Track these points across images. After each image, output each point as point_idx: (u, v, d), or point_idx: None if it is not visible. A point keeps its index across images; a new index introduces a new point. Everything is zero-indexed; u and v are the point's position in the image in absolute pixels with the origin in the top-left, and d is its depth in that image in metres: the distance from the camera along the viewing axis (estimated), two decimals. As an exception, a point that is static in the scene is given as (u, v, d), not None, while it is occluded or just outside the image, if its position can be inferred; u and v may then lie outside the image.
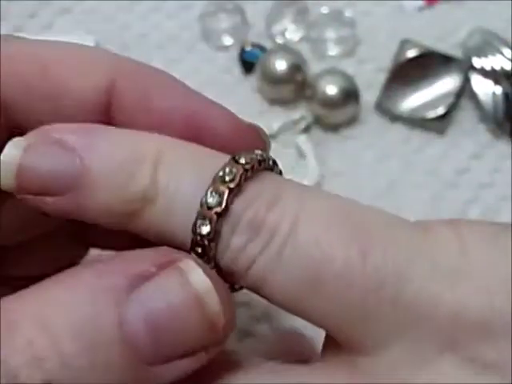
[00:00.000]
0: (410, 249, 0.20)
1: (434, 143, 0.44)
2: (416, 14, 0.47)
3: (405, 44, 0.44)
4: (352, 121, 0.44)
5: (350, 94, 0.43)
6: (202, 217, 0.20)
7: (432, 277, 0.20)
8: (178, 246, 0.21)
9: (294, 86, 0.44)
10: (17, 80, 0.21)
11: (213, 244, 0.20)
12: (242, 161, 0.20)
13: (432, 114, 0.43)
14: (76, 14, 0.47)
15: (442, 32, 0.46)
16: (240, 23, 0.46)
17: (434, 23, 0.46)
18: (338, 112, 0.43)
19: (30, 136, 0.20)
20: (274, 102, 0.45)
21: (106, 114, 0.22)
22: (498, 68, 0.44)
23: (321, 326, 0.21)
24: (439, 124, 0.44)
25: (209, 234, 0.20)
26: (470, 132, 0.44)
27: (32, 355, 0.18)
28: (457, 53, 0.45)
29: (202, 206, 0.20)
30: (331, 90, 0.43)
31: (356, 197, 0.42)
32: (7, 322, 0.18)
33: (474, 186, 0.43)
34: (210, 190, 0.20)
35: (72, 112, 0.22)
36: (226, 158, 0.21)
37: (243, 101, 0.45)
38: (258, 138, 0.23)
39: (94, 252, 0.29)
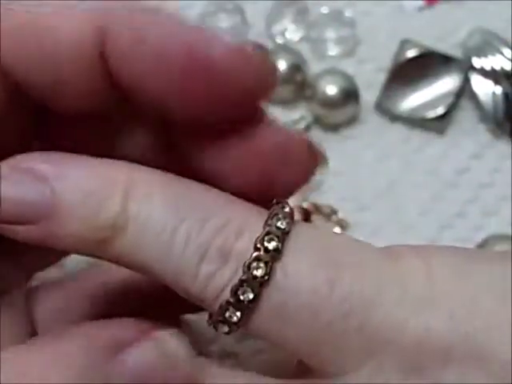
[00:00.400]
0: (378, 277, 0.20)
1: (433, 143, 0.44)
2: (416, 14, 0.47)
3: (405, 44, 0.44)
4: (352, 121, 0.44)
5: (350, 94, 0.43)
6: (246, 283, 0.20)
7: (398, 304, 0.20)
8: (150, 275, 0.21)
9: (294, 86, 0.44)
10: (12, 40, 0.21)
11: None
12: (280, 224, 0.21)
13: (432, 113, 0.43)
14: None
15: (441, 32, 0.46)
16: (240, 23, 0.46)
17: (434, 23, 0.46)
18: (337, 112, 0.43)
19: (3, 166, 0.20)
20: (274, 101, 0.45)
21: (100, 62, 0.21)
22: (497, 68, 0.44)
23: (292, 353, 0.21)
24: (439, 124, 0.44)
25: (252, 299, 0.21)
26: (469, 132, 0.44)
27: None
28: (457, 53, 0.45)
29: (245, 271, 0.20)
30: (331, 89, 0.43)
31: (356, 197, 0.43)
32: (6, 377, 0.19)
33: (473, 186, 0.43)
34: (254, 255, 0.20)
35: (67, 63, 0.21)
36: (196, 185, 0.21)
37: (243, 101, 0.45)
38: (262, 63, 0.22)
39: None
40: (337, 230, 0.42)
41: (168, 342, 0.21)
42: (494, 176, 0.43)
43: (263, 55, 0.22)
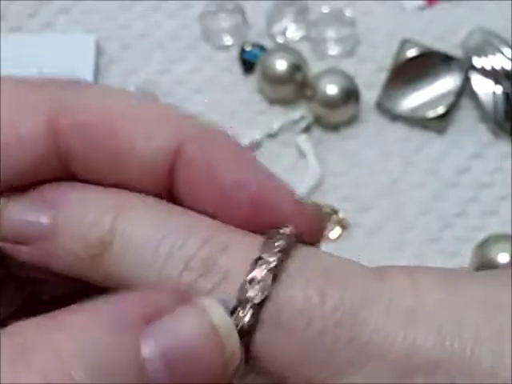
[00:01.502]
0: (367, 292, 0.21)
1: (434, 142, 0.44)
2: (416, 14, 0.47)
3: (405, 44, 0.44)
4: (352, 120, 0.44)
5: (350, 94, 0.43)
6: (242, 308, 0.20)
7: (386, 319, 0.21)
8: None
9: (295, 86, 0.44)
10: (82, 131, 0.22)
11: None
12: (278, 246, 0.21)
13: (432, 113, 0.44)
14: (76, 14, 0.47)
15: (442, 32, 0.46)
16: (240, 23, 0.46)
17: (435, 23, 0.46)
18: (338, 111, 0.43)
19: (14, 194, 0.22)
20: (274, 101, 0.45)
21: (169, 178, 0.22)
22: (498, 67, 0.44)
23: (277, 368, 0.21)
24: (439, 123, 0.44)
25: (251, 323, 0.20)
26: (470, 131, 0.44)
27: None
28: (457, 52, 0.45)
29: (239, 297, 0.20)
30: (331, 89, 0.43)
31: (356, 196, 0.43)
32: (21, 351, 0.19)
33: (474, 186, 0.43)
34: (249, 279, 0.20)
35: (134, 172, 0.22)
36: (182, 209, 0.22)
37: (243, 100, 0.45)
38: (317, 220, 0.23)
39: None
40: (337, 229, 0.42)
41: (215, 311, 0.20)
42: (494, 176, 0.43)
43: (317, 209, 0.23)
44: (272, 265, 0.21)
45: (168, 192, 0.23)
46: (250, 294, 0.20)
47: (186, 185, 0.22)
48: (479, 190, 0.43)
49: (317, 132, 0.44)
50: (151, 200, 0.22)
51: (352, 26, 0.46)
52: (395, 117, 0.44)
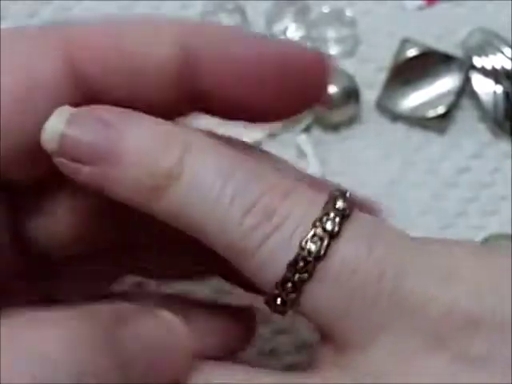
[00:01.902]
0: (410, 250, 0.22)
1: (434, 142, 0.44)
2: (416, 14, 0.47)
3: (405, 43, 0.44)
4: (352, 120, 0.44)
5: (351, 94, 0.43)
6: (301, 260, 0.21)
7: (428, 275, 0.21)
8: (193, 235, 0.22)
9: (295, 86, 0.44)
10: (92, 53, 0.22)
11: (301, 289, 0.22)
12: (340, 204, 0.22)
13: (432, 113, 0.44)
14: (76, 14, 0.47)
15: (442, 31, 0.46)
16: (240, 23, 0.46)
17: (435, 22, 0.46)
18: (338, 111, 0.43)
19: (75, 110, 0.22)
20: (275, 101, 0.45)
21: (187, 82, 0.23)
22: (498, 67, 0.44)
23: (318, 318, 0.22)
24: (439, 123, 0.44)
25: (304, 272, 0.21)
26: (470, 131, 0.44)
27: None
28: (457, 52, 0.45)
29: (300, 246, 0.21)
30: (331, 89, 0.43)
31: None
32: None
33: (474, 186, 0.43)
34: (311, 234, 0.21)
35: (149, 83, 0.23)
36: (248, 157, 0.23)
37: (243, 100, 0.45)
38: (327, 65, 0.24)
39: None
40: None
41: (170, 319, 0.22)
42: (495, 175, 0.43)
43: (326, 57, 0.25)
44: (331, 224, 0.22)
45: (184, 92, 0.23)
46: (310, 247, 0.21)
47: (206, 76, 0.23)
48: (479, 189, 0.43)
49: (317, 132, 0.44)
50: (217, 142, 0.23)
51: (352, 26, 0.46)
52: (395, 116, 0.44)
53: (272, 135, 0.44)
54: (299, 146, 0.43)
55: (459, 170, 0.43)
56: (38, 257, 0.25)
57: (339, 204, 0.22)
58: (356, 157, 0.43)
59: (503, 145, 0.43)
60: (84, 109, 0.22)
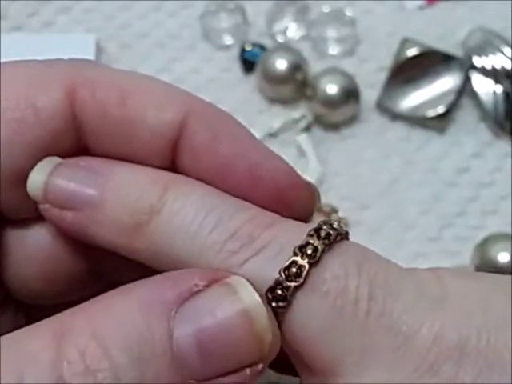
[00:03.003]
0: (399, 277, 0.22)
1: (434, 142, 0.44)
2: (416, 13, 0.47)
3: (405, 43, 0.44)
4: (352, 120, 0.44)
5: (351, 93, 0.43)
6: (280, 287, 0.21)
7: (416, 301, 0.21)
8: (176, 264, 0.22)
9: (295, 85, 0.44)
10: (95, 105, 0.23)
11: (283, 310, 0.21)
12: (323, 234, 0.22)
13: (432, 112, 0.44)
14: (76, 13, 0.47)
15: (442, 31, 0.46)
16: (240, 22, 0.46)
17: (435, 22, 0.46)
18: (338, 111, 0.43)
19: (59, 159, 0.23)
20: (275, 101, 0.45)
21: (174, 149, 0.23)
22: (498, 67, 0.44)
23: (303, 345, 0.21)
24: (439, 123, 0.44)
25: (283, 300, 0.21)
26: (470, 131, 0.44)
27: (85, 367, 0.19)
28: (457, 52, 0.45)
29: (279, 273, 0.21)
30: (332, 89, 0.43)
31: (356, 195, 0.43)
32: (58, 333, 0.19)
33: (474, 185, 0.43)
34: (292, 260, 0.21)
35: (144, 143, 0.23)
36: (228, 198, 0.22)
37: (244, 100, 0.45)
38: (312, 197, 0.24)
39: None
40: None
41: (245, 289, 0.20)
42: (495, 175, 0.43)
43: (313, 190, 0.24)
44: (317, 250, 0.21)
45: (171, 164, 0.23)
46: (290, 273, 0.21)
47: (188, 155, 0.23)
48: (479, 189, 0.43)
49: (317, 131, 0.44)
50: (197, 181, 0.23)
51: (352, 26, 0.46)
52: (395, 116, 0.44)
53: (272, 135, 0.44)
54: (299, 145, 0.43)
55: (459, 169, 0.43)
56: (17, 297, 0.25)
57: (323, 233, 0.21)
58: (356, 156, 0.43)
59: (503, 144, 0.43)
60: (68, 159, 0.23)
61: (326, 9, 0.46)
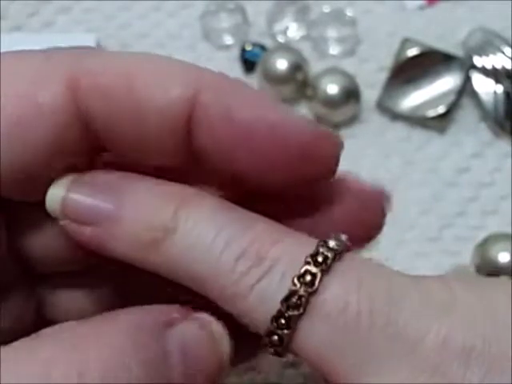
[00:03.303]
0: (402, 285, 0.22)
1: (434, 142, 0.44)
2: (417, 13, 0.47)
3: (406, 43, 0.44)
4: (353, 120, 0.44)
5: (351, 93, 0.43)
6: (294, 295, 0.22)
7: (422, 308, 0.21)
8: (187, 285, 0.23)
9: (295, 86, 0.44)
10: (99, 94, 0.22)
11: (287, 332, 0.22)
12: (320, 259, 0.22)
13: (433, 112, 0.44)
14: (76, 13, 0.47)
15: (442, 31, 0.46)
16: (241, 22, 0.46)
17: (435, 22, 0.46)
18: (338, 111, 0.43)
19: (76, 175, 0.23)
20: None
21: (187, 127, 0.23)
22: (498, 67, 0.44)
23: (314, 356, 0.22)
24: (440, 123, 0.44)
25: (287, 328, 0.22)
26: (470, 131, 0.44)
27: None
28: (458, 52, 0.45)
29: (281, 303, 0.22)
30: (332, 89, 0.43)
31: (357, 196, 0.42)
32: (43, 364, 0.20)
33: (474, 185, 0.43)
34: (304, 269, 0.22)
35: (155, 125, 0.23)
36: (241, 209, 0.23)
37: (244, 100, 0.45)
38: (335, 147, 0.24)
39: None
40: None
41: (212, 324, 0.22)
42: (495, 175, 0.43)
43: (336, 138, 0.24)
44: (323, 260, 0.22)
45: (186, 146, 0.23)
46: (304, 281, 0.22)
47: (204, 130, 0.23)
48: (479, 189, 0.43)
49: (317, 131, 0.44)
50: (208, 195, 0.23)
51: (353, 26, 0.46)
52: (396, 116, 0.44)
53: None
54: (299, 145, 0.43)
55: (459, 169, 0.43)
56: (33, 269, 0.25)
57: (331, 244, 0.22)
58: (356, 156, 0.43)
59: (503, 144, 0.43)
60: (86, 175, 0.23)
61: (326, 9, 0.46)
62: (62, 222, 0.23)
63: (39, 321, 0.26)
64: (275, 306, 0.22)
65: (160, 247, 0.22)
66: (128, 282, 0.26)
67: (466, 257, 0.40)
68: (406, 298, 0.21)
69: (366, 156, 0.43)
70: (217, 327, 0.22)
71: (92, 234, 0.23)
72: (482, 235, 0.40)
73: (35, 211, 0.24)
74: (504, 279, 0.23)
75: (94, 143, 0.23)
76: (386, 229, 0.42)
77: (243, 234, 0.22)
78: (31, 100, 0.22)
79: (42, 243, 0.25)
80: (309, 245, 0.22)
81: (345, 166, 0.43)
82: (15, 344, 0.20)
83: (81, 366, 0.20)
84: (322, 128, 0.23)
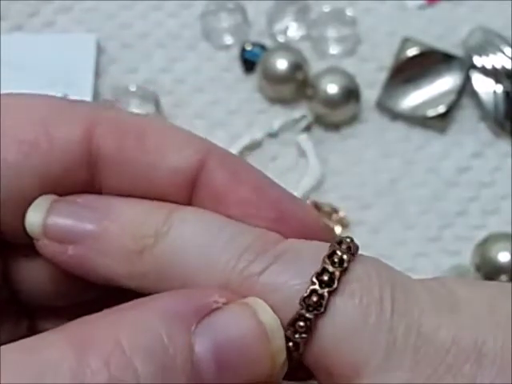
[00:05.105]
0: (413, 283, 0.22)
1: (434, 141, 0.44)
2: (417, 13, 0.47)
3: (406, 42, 0.45)
4: (353, 119, 0.44)
5: (351, 93, 0.43)
6: (314, 294, 0.21)
7: (432, 305, 0.21)
8: (185, 286, 0.22)
9: (295, 85, 0.44)
10: (113, 144, 0.23)
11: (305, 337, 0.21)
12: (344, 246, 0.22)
13: (433, 112, 0.44)
14: (76, 13, 0.47)
15: (442, 30, 0.46)
16: (241, 22, 0.46)
17: (435, 22, 0.46)
18: (338, 111, 0.43)
19: (57, 197, 0.23)
20: (275, 100, 0.45)
21: (191, 189, 0.23)
22: (498, 67, 0.44)
23: (330, 358, 0.21)
24: (440, 122, 0.44)
25: (319, 307, 0.21)
26: (470, 130, 0.44)
27: (109, 376, 0.19)
28: (458, 51, 0.45)
29: (312, 283, 0.21)
30: (332, 88, 0.43)
31: (357, 195, 0.43)
32: (78, 341, 0.19)
33: (474, 185, 0.43)
34: (321, 268, 0.21)
35: (162, 183, 0.23)
36: (234, 220, 0.23)
37: (244, 100, 0.45)
38: (328, 231, 0.24)
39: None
40: (337, 228, 0.42)
41: (262, 309, 0.21)
42: (495, 175, 0.43)
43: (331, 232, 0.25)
44: (340, 260, 0.21)
45: (186, 200, 0.23)
46: (323, 280, 0.21)
47: (207, 194, 0.23)
48: (479, 188, 0.43)
49: (317, 131, 0.44)
50: (199, 208, 0.23)
51: (353, 25, 0.46)
52: (396, 116, 0.44)
53: (272, 134, 0.44)
54: (300, 145, 0.43)
55: (459, 169, 0.43)
56: (23, 299, 0.25)
57: (345, 245, 0.22)
58: (356, 156, 0.43)
59: (503, 144, 0.43)
60: (66, 196, 0.23)
61: (326, 8, 0.46)
62: (41, 242, 0.22)
63: None
64: (291, 288, 0.21)
65: (149, 255, 0.22)
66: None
67: (466, 256, 0.41)
68: (418, 294, 0.22)
69: (365, 156, 0.43)
70: (270, 317, 0.20)
71: (73, 253, 0.22)
72: (482, 235, 0.41)
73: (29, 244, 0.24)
74: (498, 282, 0.23)
75: (95, 186, 0.23)
76: (386, 229, 0.43)
77: (244, 232, 0.22)
78: (46, 132, 0.22)
79: (32, 274, 0.25)
80: (315, 243, 0.22)
81: (345, 165, 0.43)
82: (16, 343, 0.20)
83: (87, 367, 0.19)
84: (320, 219, 0.24)
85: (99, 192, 0.23)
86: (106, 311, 0.20)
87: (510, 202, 0.42)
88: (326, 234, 0.23)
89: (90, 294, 0.25)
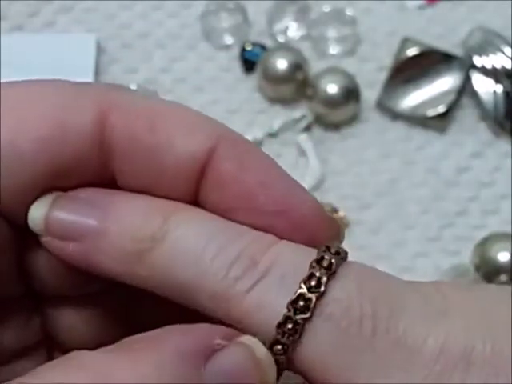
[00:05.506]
0: (400, 290, 0.22)
1: (434, 141, 0.44)
2: (417, 13, 0.47)
3: (406, 42, 0.45)
4: (353, 119, 0.44)
5: (351, 93, 0.43)
6: (301, 298, 0.21)
7: (420, 314, 0.21)
8: (176, 299, 0.22)
9: (295, 85, 0.44)
10: (124, 131, 0.23)
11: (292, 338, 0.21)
12: (325, 264, 0.22)
13: (433, 112, 0.44)
14: (76, 13, 0.47)
15: (442, 30, 0.46)
16: (241, 22, 0.46)
17: (435, 22, 0.46)
18: (338, 111, 0.43)
19: (59, 193, 0.23)
20: (275, 100, 0.45)
21: (200, 176, 0.23)
22: (498, 67, 0.44)
23: (317, 362, 0.22)
24: (440, 122, 0.44)
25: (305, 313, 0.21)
26: (470, 130, 0.44)
27: None
28: (458, 51, 0.45)
29: (287, 306, 0.21)
30: (332, 88, 0.43)
31: (357, 195, 0.43)
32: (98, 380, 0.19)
33: (474, 185, 0.43)
34: (309, 273, 0.21)
35: (172, 169, 0.23)
36: (227, 223, 0.23)
37: (244, 100, 0.45)
38: (337, 234, 0.24)
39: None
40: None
41: (255, 347, 0.22)
42: (495, 174, 0.43)
43: (338, 226, 0.24)
44: (328, 264, 0.22)
45: (194, 192, 0.23)
46: (310, 285, 0.21)
47: (213, 182, 0.23)
48: (479, 188, 0.43)
49: (317, 131, 0.44)
50: (196, 208, 0.23)
51: (353, 25, 0.46)
52: (396, 116, 0.44)
53: (272, 134, 0.44)
54: (300, 145, 0.44)
55: (459, 169, 0.43)
56: (38, 289, 0.25)
57: (334, 249, 0.22)
58: (356, 156, 0.43)
59: (503, 144, 0.44)
60: (68, 192, 0.23)
61: (326, 8, 0.46)
62: (44, 239, 0.23)
63: (43, 342, 0.26)
64: (274, 309, 0.21)
65: (147, 258, 0.22)
66: (129, 303, 0.26)
67: (466, 256, 0.41)
68: (405, 304, 0.21)
69: (365, 155, 0.43)
70: (263, 353, 0.22)
71: (75, 249, 0.22)
72: (481, 235, 0.41)
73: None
74: (494, 286, 0.23)
75: (107, 174, 0.23)
76: (385, 229, 0.43)
77: (235, 240, 0.22)
78: (59, 121, 0.22)
79: (46, 264, 0.25)
80: (305, 248, 0.22)
81: (345, 165, 0.43)
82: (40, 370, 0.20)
83: None
84: (326, 213, 0.24)
85: (112, 178, 0.23)
86: (120, 349, 0.21)
87: (510, 202, 0.42)
88: (329, 230, 0.24)
89: (98, 285, 0.25)
